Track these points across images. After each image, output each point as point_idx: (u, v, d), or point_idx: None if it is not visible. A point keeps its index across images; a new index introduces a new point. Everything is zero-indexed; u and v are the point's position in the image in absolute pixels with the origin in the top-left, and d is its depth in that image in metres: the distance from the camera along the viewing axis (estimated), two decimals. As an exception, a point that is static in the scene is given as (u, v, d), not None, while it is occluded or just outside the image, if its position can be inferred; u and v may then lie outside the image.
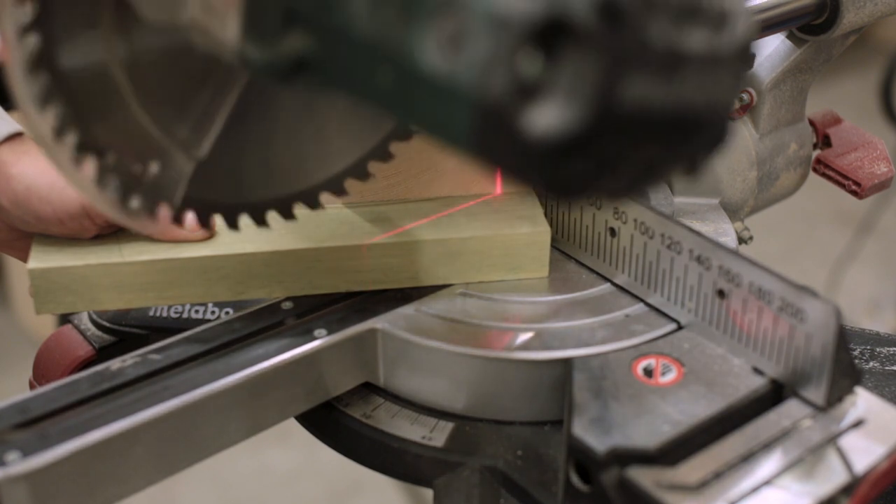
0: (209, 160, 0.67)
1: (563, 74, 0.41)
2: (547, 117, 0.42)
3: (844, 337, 0.64)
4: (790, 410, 0.66)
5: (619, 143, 0.43)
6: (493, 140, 0.43)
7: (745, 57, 0.47)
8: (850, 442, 0.64)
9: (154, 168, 0.66)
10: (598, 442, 0.62)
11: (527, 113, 0.42)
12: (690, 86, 0.44)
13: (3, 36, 0.58)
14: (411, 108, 0.48)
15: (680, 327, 0.74)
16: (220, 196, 0.70)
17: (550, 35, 0.41)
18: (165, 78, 0.65)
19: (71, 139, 0.61)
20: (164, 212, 0.72)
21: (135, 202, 0.64)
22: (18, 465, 0.62)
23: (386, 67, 0.48)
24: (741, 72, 0.47)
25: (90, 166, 0.62)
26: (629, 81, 0.42)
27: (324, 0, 0.50)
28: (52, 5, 0.58)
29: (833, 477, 0.62)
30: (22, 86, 0.59)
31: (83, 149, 0.61)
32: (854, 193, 0.97)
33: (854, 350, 0.78)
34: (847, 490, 0.61)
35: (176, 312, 0.84)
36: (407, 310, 0.77)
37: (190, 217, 0.78)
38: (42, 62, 0.59)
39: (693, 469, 0.62)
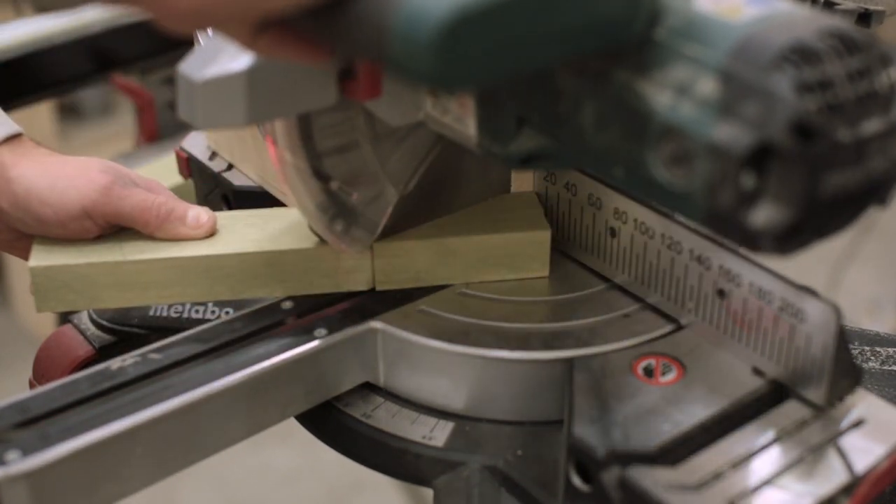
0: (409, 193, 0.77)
1: (774, 184, 0.51)
2: (764, 216, 0.51)
3: (844, 337, 0.64)
4: (790, 410, 0.66)
5: (825, 218, 0.52)
6: (723, 226, 0.53)
7: None
8: (850, 442, 0.64)
9: (366, 197, 0.75)
10: (598, 442, 0.62)
11: (748, 215, 0.52)
12: (875, 159, 0.52)
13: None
14: (646, 193, 0.57)
15: (680, 327, 0.74)
16: (394, 222, 0.78)
17: (759, 155, 0.50)
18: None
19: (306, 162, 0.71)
20: (164, 209, 0.74)
21: (338, 226, 0.74)
22: (18, 464, 0.62)
23: (619, 166, 0.57)
24: None
25: (316, 187, 0.72)
26: (826, 178, 0.50)
27: (552, 116, 0.59)
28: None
29: (833, 477, 0.62)
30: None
31: (314, 174, 0.71)
32: (854, 193, 0.97)
33: (854, 350, 0.78)
34: (847, 490, 0.61)
35: (176, 312, 0.84)
36: (407, 310, 0.77)
37: (191, 215, 0.78)
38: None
39: (693, 469, 0.62)
